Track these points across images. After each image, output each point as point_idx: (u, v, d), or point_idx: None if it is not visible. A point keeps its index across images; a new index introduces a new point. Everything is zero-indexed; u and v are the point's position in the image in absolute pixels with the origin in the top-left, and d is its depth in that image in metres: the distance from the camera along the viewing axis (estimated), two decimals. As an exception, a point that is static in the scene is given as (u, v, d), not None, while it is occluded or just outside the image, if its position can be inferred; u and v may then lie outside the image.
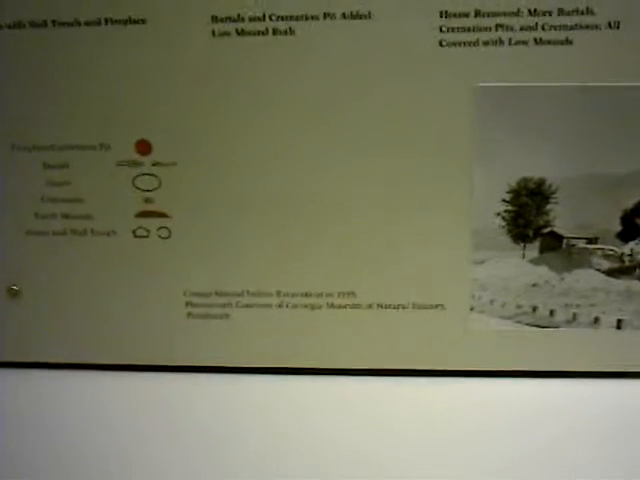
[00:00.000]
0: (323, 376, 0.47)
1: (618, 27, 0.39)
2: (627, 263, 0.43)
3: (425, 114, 0.41)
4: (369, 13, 0.39)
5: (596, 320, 0.44)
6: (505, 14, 0.39)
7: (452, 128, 0.41)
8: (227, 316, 0.46)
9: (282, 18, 0.40)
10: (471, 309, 0.45)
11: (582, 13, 0.39)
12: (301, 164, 0.42)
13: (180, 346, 0.47)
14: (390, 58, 0.40)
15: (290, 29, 0.40)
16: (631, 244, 0.43)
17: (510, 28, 0.39)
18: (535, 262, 0.44)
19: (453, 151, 0.41)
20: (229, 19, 0.40)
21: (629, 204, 0.42)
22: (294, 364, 0.47)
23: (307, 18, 0.40)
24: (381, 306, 0.45)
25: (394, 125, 0.41)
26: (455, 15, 0.39)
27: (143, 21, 0.40)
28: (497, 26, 0.39)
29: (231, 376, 0.47)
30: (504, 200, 0.42)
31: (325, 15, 0.40)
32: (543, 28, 0.39)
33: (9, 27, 0.41)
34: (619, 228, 0.43)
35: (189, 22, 0.40)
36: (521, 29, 0.39)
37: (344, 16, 0.40)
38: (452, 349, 0.46)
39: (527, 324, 0.45)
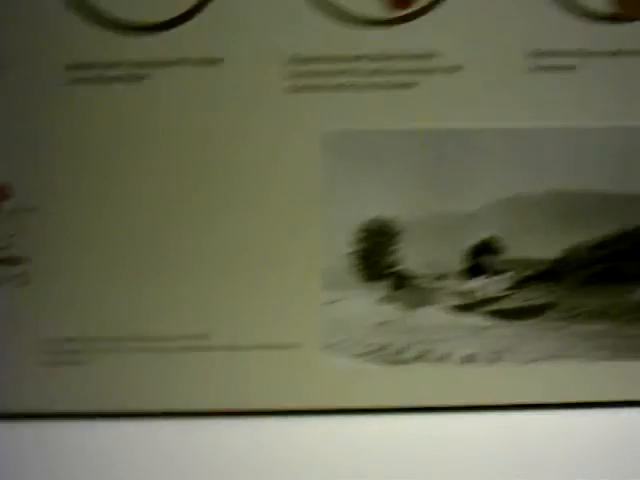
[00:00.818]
0: (179, 419, 0.46)
1: (460, 70, 0.40)
2: (473, 299, 0.45)
3: (274, 159, 0.41)
4: (220, 59, 0.40)
5: (445, 356, 0.45)
6: (350, 59, 0.40)
7: (301, 173, 0.42)
8: (86, 362, 0.45)
9: (138, 65, 0.40)
10: (325, 348, 0.45)
11: (425, 57, 0.40)
12: (159, 209, 0.42)
13: (33, 394, 0.46)
14: (240, 104, 0.41)
15: (143, 75, 0.40)
16: (477, 281, 0.44)
17: (355, 73, 0.40)
18: (385, 300, 0.45)
19: (303, 195, 0.42)
20: (83, 66, 0.40)
21: (474, 242, 0.43)
22: (148, 408, 0.46)
23: (162, 64, 0.40)
24: (235, 347, 0.45)
25: (243, 170, 0.42)
26: (302, 61, 0.40)
27: (-1, 67, 0.40)
28: (342, 72, 0.40)
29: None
30: (354, 240, 0.43)
31: (178, 61, 0.40)
32: (387, 73, 0.40)
33: None
34: (465, 265, 0.44)
35: (44, 69, 0.40)
36: (366, 74, 0.40)
37: (196, 62, 0.40)
38: (307, 388, 0.46)
39: (379, 362, 0.45)
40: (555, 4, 0.40)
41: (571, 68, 0.41)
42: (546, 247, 0.45)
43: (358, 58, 0.40)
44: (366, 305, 0.45)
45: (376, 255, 0.44)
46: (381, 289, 0.45)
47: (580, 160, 0.43)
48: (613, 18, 0.40)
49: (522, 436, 0.46)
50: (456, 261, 0.44)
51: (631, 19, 0.40)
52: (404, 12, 0.40)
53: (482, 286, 0.45)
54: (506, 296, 0.45)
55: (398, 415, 0.47)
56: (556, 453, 0.44)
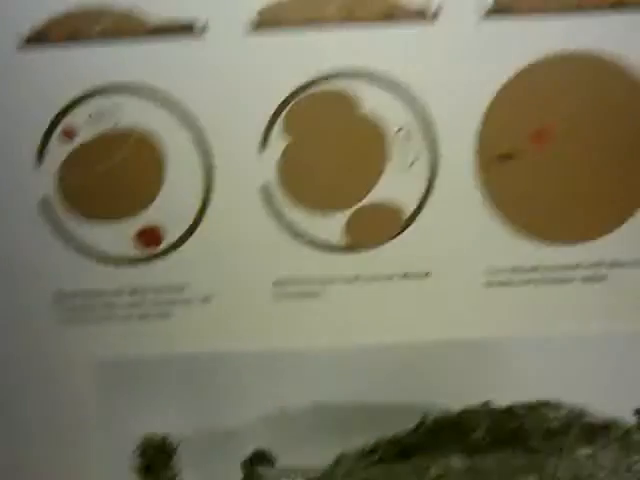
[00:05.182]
0: None
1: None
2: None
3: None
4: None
5: None
6: (111, 293, 0.44)
7: (76, 400, 0.46)
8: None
9: None
10: None
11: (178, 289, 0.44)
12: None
13: None
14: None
15: None
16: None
17: (116, 305, 0.44)
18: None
19: (78, 421, 0.46)
20: None
21: (247, 453, 0.47)
22: None
23: None
24: None
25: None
26: (70, 295, 0.44)
27: None
28: (106, 304, 0.44)
29: None
30: (134, 455, 0.47)
31: None
32: (149, 304, 0.44)
33: None
34: (243, 476, 0.47)
35: None
36: (127, 306, 0.44)
37: None
38: None
39: None
40: (296, 239, 0.44)
41: (315, 295, 0.45)
42: (317, 455, 0.47)
43: (118, 292, 0.44)
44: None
45: (157, 468, 0.47)
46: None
47: (343, 374, 0.46)
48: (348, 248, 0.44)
49: None
50: (233, 472, 0.47)
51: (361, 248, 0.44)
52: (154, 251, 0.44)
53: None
54: (288, 502, 0.48)
55: None
56: None
